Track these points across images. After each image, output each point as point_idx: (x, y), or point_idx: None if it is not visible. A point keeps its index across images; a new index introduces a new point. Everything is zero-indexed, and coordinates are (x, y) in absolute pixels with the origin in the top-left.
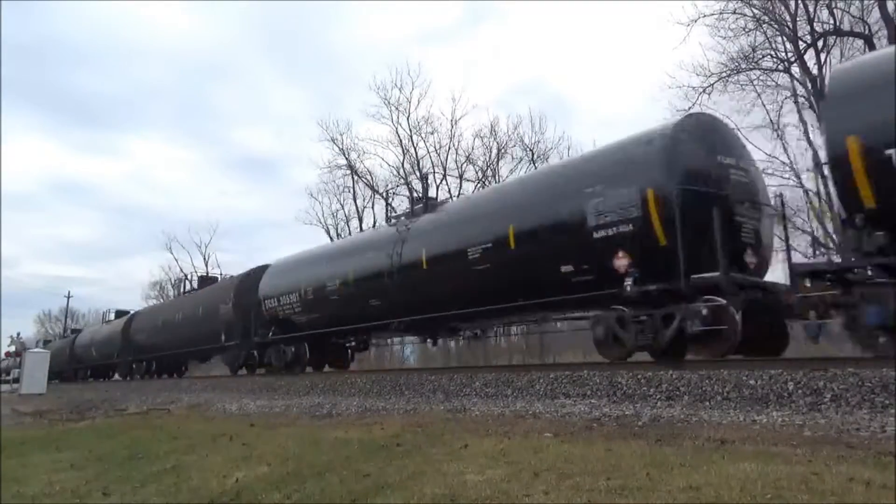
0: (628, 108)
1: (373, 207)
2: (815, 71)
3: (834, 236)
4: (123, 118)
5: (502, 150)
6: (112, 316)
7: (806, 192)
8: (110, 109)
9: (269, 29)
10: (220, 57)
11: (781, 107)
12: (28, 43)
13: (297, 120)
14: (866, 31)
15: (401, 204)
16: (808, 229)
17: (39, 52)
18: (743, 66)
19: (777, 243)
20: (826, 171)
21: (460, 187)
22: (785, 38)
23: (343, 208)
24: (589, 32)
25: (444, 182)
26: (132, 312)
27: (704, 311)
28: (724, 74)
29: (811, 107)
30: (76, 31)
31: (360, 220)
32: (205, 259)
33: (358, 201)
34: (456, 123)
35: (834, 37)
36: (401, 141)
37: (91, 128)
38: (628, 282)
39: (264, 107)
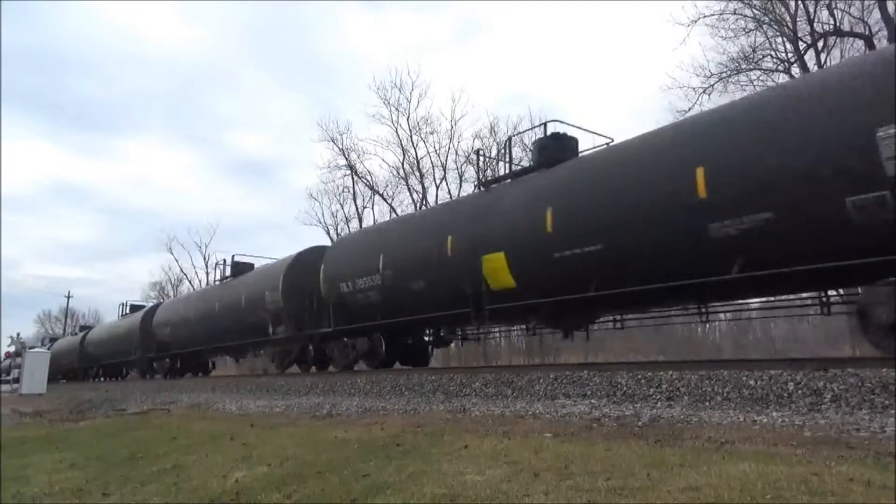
0: (625, 109)
1: (373, 207)
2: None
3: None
4: (122, 123)
5: (502, 151)
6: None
7: None
8: (109, 114)
9: (268, 38)
10: (219, 63)
11: None
12: (27, 47)
13: (296, 125)
14: (866, 32)
15: (401, 204)
16: None
17: (39, 57)
18: (743, 66)
19: None
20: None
21: (460, 187)
22: (785, 39)
23: (343, 209)
24: (583, 38)
25: (444, 182)
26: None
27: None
28: (724, 75)
29: None
30: (75, 36)
31: (360, 220)
32: (205, 259)
33: (358, 201)
34: (455, 124)
35: (834, 37)
36: (400, 141)
37: (90, 132)
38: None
39: (263, 112)
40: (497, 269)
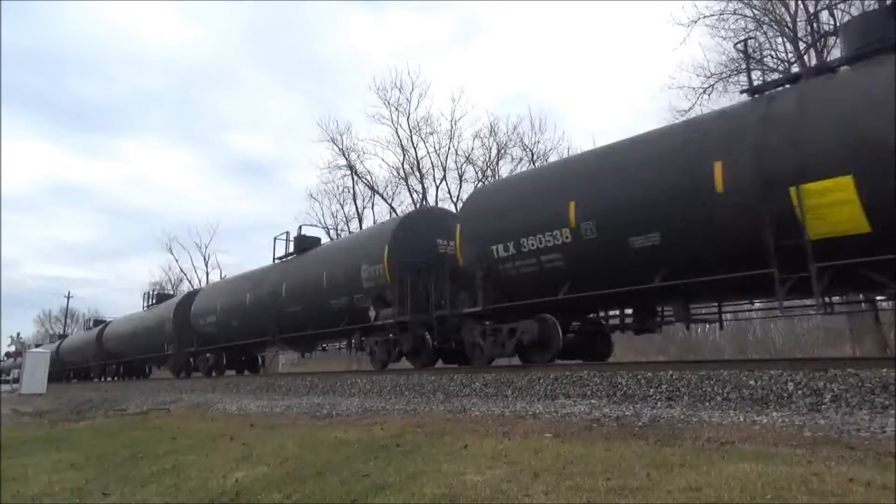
0: (626, 109)
1: (373, 208)
2: None
3: None
4: (122, 123)
5: (502, 151)
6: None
7: None
8: (109, 114)
9: (268, 38)
10: (219, 63)
11: None
12: (27, 47)
13: (296, 125)
14: None
15: (401, 204)
16: None
17: (38, 57)
18: (743, 66)
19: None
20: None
21: (460, 187)
22: (785, 39)
23: (343, 209)
24: (583, 38)
25: (444, 182)
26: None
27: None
28: (724, 75)
29: None
30: (75, 36)
31: (360, 220)
32: (205, 259)
33: (358, 201)
34: (455, 124)
35: (834, 37)
36: (400, 141)
37: (90, 132)
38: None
39: (263, 112)
40: (833, 204)
